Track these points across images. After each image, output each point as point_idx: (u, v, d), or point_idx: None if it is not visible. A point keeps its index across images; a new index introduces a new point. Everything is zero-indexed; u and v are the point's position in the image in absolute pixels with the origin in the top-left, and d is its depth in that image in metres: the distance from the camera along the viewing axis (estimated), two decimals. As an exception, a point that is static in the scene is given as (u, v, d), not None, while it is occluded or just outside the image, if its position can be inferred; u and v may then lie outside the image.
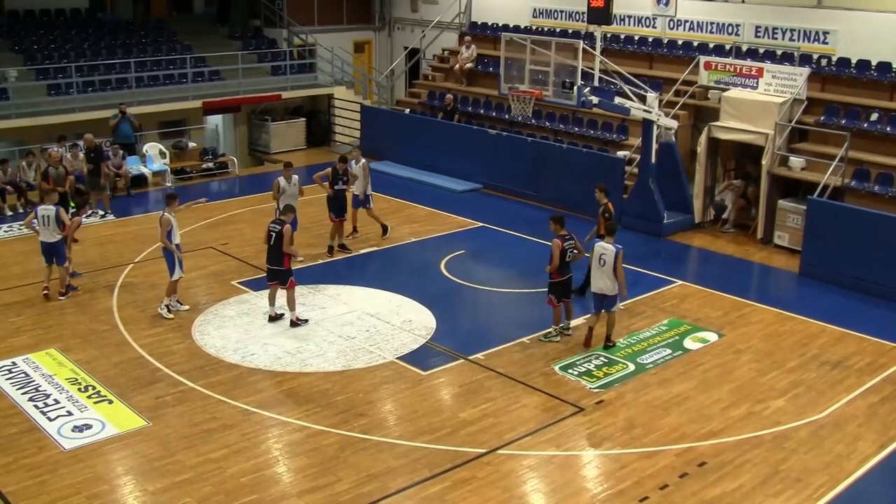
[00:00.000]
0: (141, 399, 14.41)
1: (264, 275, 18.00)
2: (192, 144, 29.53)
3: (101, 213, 23.80)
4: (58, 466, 12.59)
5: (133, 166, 26.75)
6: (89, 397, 14.45)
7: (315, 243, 20.97)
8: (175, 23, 33.84)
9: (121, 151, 26.04)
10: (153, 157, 27.73)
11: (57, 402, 14.30)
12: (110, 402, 14.32)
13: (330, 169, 20.98)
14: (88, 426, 13.62)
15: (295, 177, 20.36)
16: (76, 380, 15.01)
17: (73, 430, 13.50)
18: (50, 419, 13.78)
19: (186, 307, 17.76)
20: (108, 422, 13.73)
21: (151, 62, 29.88)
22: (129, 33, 31.74)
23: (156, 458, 12.85)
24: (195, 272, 19.89)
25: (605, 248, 16.10)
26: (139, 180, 26.91)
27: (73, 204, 21.69)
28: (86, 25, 31.53)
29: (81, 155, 24.28)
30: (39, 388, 14.70)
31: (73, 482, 12.23)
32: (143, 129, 28.46)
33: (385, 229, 22.21)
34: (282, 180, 20.22)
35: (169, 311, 17.53)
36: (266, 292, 17.73)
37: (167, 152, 28.12)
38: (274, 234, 16.98)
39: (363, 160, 21.58)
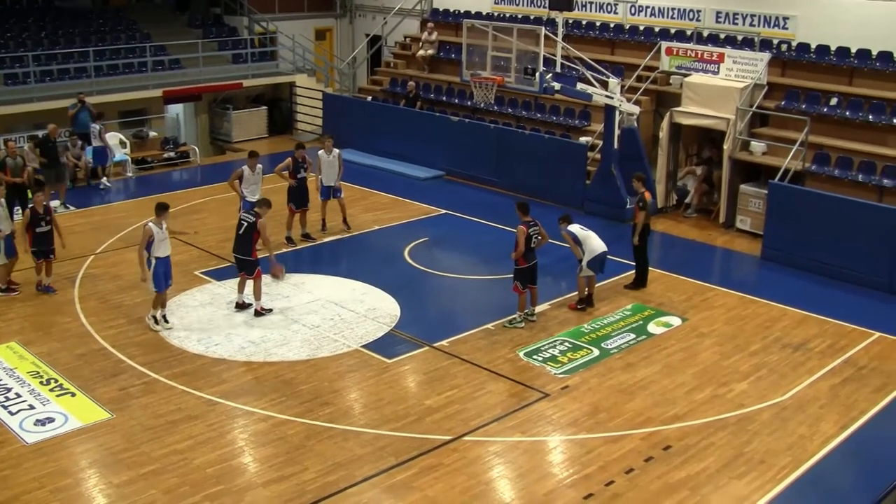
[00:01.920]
0: (104, 391, 14.30)
1: (228, 265, 17.93)
2: (152, 134, 29.25)
3: (58, 203, 23.51)
4: (21, 461, 12.47)
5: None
6: (52, 390, 14.31)
7: (280, 231, 20.85)
8: (134, 11, 33.46)
9: (80, 142, 25.76)
10: (114, 147, 27.43)
11: (18, 395, 14.15)
12: (73, 394, 14.20)
13: (290, 159, 20.81)
14: (51, 419, 13.50)
15: (259, 166, 20.20)
16: (38, 373, 14.86)
17: (35, 424, 13.37)
18: (12, 413, 13.64)
19: (159, 328, 16.56)
20: (72, 415, 13.61)
21: (110, 51, 29.54)
22: (88, 22, 31.34)
23: (120, 450, 12.76)
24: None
25: (577, 228, 17.64)
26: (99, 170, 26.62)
27: (30, 195, 21.43)
28: (43, 14, 31.09)
29: (27, 149, 23.89)
30: (0, 382, 14.53)
31: (37, 476, 12.12)
32: (104, 119, 28.15)
33: (324, 225, 21.97)
34: (246, 169, 20.04)
35: (156, 322, 16.60)
36: (232, 281, 17.65)
37: (128, 142, 27.85)
38: (245, 224, 16.88)
39: (336, 150, 21.43)
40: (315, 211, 21.63)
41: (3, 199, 18.35)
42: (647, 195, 18.53)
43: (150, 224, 16.10)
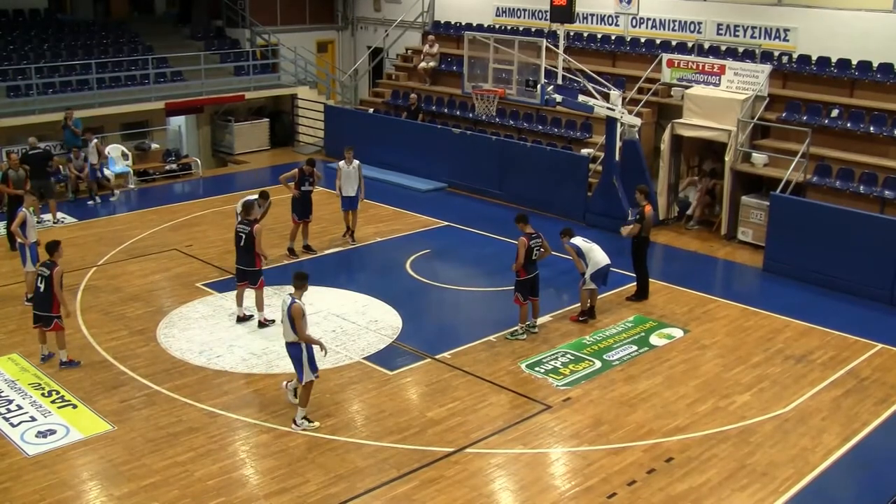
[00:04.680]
0: (106, 403, 14.29)
1: (231, 276, 17.92)
2: (154, 146, 29.30)
3: (48, 217, 23.44)
4: (21, 473, 12.45)
5: (95, 168, 26.52)
6: (53, 402, 14.30)
7: (280, 244, 20.87)
8: (136, 24, 33.52)
9: (82, 154, 25.78)
10: (115, 159, 27.43)
11: (20, 407, 14.14)
12: (74, 406, 14.19)
13: (296, 170, 20.86)
14: (52, 431, 13.49)
15: (356, 162, 21.20)
16: (39, 384, 14.85)
17: (36, 436, 13.36)
18: (13, 425, 13.63)
19: (316, 424, 13.80)
20: (73, 426, 13.60)
21: (113, 63, 29.60)
22: (90, 34, 31.41)
23: (121, 462, 12.74)
24: (159, 274, 19.78)
25: (580, 240, 17.56)
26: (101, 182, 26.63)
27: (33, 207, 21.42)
28: (45, 26, 31.16)
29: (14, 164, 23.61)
30: (2, 394, 14.52)
31: (37, 488, 12.10)
32: (106, 131, 28.21)
33: (347, 231, 22.09)
34: (342, 163, 21.21)
35: (309, 421, 13.81)
36: (233, 294, 17.63)
37: (129, 154, 27.87)
38: (244, 236, 16.89)
39: (356, 162, 21.50)
40: (320, 222, 21.66)
41: (31, 209, 18.46)
42: (648, 209, 18.52)
43: (298, 302, 13.38)
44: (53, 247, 15.46)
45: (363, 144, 28.78)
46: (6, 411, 14.01)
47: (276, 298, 18.18)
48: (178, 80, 30.59)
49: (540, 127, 27.41)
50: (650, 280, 19.02)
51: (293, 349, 13.47)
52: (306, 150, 31.40)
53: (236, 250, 17.17)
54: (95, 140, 25.07)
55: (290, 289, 13.62)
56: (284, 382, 14.50)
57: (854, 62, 23.20)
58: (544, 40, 21.74)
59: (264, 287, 17.27)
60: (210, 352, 16.11)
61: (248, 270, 17.05)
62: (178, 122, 31.84)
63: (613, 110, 22.42)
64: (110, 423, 13.71)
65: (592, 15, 29.00)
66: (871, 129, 21.88)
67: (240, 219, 17.38)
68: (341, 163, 21.44)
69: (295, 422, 13.71)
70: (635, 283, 18.89)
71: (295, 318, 13.21)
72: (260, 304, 17.12)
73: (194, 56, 31.11)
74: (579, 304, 17.77)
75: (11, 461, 12.73)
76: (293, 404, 13.97)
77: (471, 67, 23.05)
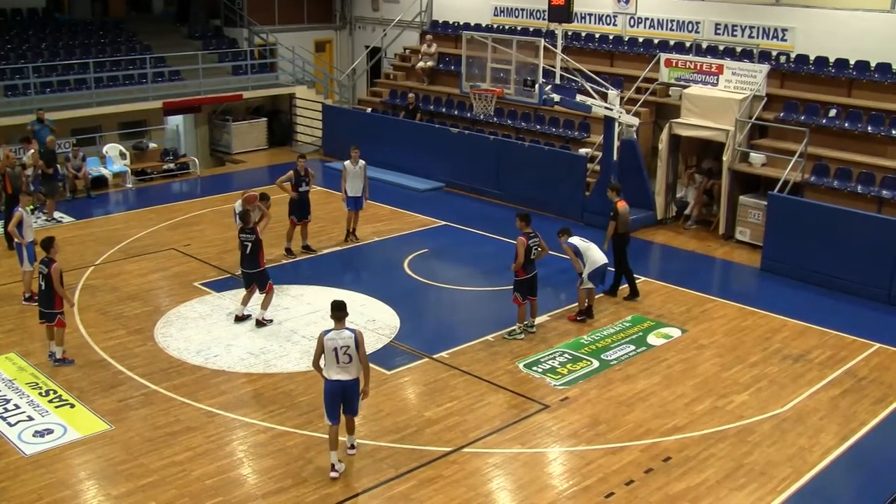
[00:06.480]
0: (103, 402, 14.27)
1: (227, 276, 17.85)
2: (152, 145, 29.28)
3: (45, 217, 23.44)
4: (18, 472, 12.44)
5: (93, 168, 26.52)
6: (50, 401, 14.29)
7: (279, 243, 20.84)
8: (134, 23, 33.50)
9: (81, 153, 25.78)
10: (113, 159, 27.49)
11: (17, 406, 14.13)
12: (72, 405, 14.17)
13: (291, 171, 20.82)
14: (50, 431, 13.47)
15: (361, 162, 21.42)
16: (37, 384, 14.83)
17: (34, 435, 13.34)
18: (10, 424, 13.61)
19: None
20: (70, 426, 13.58)
21: (111, 62, 29.58)
22: (88, 33, 31.39)
23: (119, 461, 12.73)
24: (157, 273, 19.76)
25: (577, 240, 17.57)
26: (99, 182, 26.67)
27: (31, 206, 21.43)
28: (43, 26, 31.15)
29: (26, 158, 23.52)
30: (-1, 393, 14.54)
31: (35, 488, 12.08)
32: (104, 130, 28.22)
33: (348, 234, 22.12)
34: (348, 164, 21.40)
35: (353, 446, 13.05)
36: (232, 292, 17.60)
37: (127, 153, 27.86)
38: (249, 245, 16.90)
39: (362, 161, 21.51)
40: (319, 222, 21.65)
41: (28, 208, 18.42)
42: (621, 204, 18.52)
43: (358, 328, 12.44)
44: (48, 243, 15.51)
45: (361, 144, 28.58)
46: (3, 410, 13.99)
47: (275, 298, 18.14)
48: (175, 79, 30.58)
49: (538, 126, 27.41)
50: (635, 277, 18.97)
51: (357, 385, 12.32)
52: (304, 150, 31.34)
53: (241, 258, 17.19)
54: (32, 150, 24.08)
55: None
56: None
57: (852, 62, 23.20)
58: (542, 40, 21.74)
59: (273, 288, 17.34)
60: (208, 351, 16.10)
61: (254, 273, 17.10)
62: (175, 121, 31.82)
63: (611, 110, 22.41)
64: (108, 423, 13.69)
65: (590, 14, 29.00)
66: (869, 128, 21.88)
67: (241, 227, 17.30)
68: (347, 162, 21.45)
69: (353, 446, 13.00)
70: (629, 283, 18.87)
71: (362, 343, 12.09)
72: (265, 304, 17.10)
73: (192, 55, 31.06)
74: (577, 304, 17.77)
75: (9, 460, 12.71)
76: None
77: (469, 67, 23.04)
